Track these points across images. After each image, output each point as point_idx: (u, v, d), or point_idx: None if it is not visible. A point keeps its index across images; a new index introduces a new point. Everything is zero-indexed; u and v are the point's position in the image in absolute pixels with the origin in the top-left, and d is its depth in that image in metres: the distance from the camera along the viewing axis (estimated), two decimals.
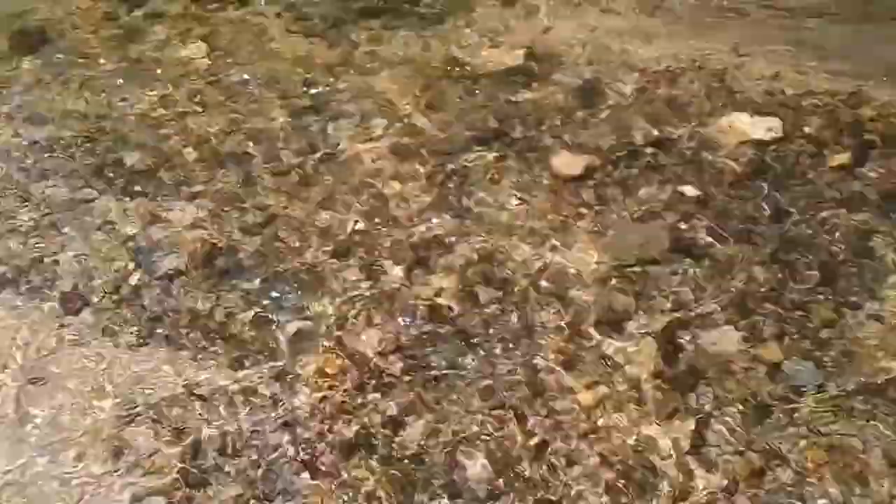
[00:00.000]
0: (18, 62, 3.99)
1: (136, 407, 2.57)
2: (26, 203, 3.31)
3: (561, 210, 3.13)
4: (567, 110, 3.59)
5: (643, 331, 2.68)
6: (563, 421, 2.45)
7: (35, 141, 3.59)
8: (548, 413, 2.47)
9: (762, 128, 3.36)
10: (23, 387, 2.65)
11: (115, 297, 2.91)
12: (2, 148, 3.56)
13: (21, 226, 3.22)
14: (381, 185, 3.30)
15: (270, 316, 2.82)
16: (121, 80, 3.90)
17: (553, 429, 2.43)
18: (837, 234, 2.95)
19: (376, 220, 3.15)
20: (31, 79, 3.91)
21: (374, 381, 2.59)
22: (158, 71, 3.97)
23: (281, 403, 2.54)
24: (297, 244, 3.08)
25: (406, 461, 2.38)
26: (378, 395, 2.55)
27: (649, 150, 3.36)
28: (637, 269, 2.88)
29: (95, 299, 2.91)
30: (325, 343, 2.71)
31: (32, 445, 2.49)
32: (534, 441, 2.40)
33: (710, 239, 2.96)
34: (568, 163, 3.31)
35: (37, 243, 3.14)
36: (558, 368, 2.59)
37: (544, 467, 2.35)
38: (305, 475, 2.35)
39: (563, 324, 2.73)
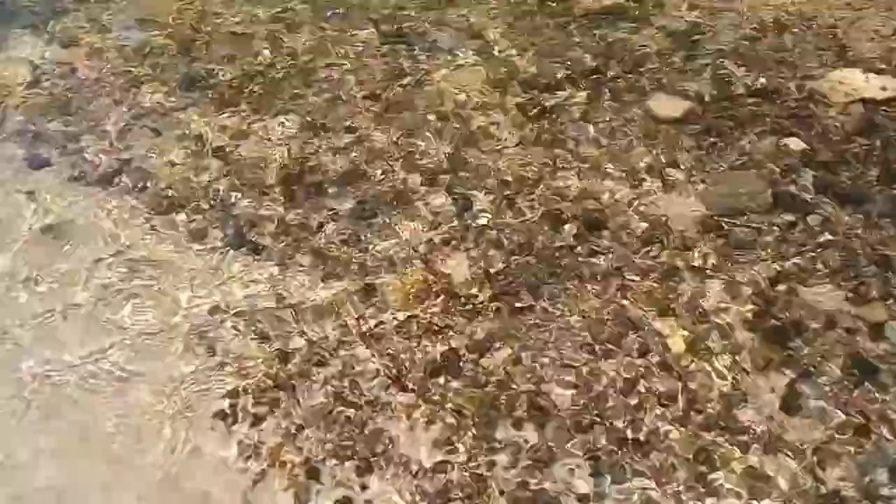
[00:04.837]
0: None
1: (223, 309, 2.58)
2: (118, 105, 3.32)
3: (657, 153, 3.03)
4: (666, 54, 3.46)
5: (739, 281, 2.59)
6: (653, 363, 2.39)
7: (128, 46, 3.59)
8: (636, 353, 2.42)
9: (875, 86, 3.19)
10: (114, 278, 2.68)
11: (204, 202, 2.92)
12: (97, 50, 3.58)
13: (112, 128, 3.23)
14: (470, 116, 3.23)
15: (358, 234, 2.80)
16: None
17: (641, 369, 2.38)
18: None
19: (464, 149, 3.09)
20: None
21: (460, 307, 2.56)
22: None
23: (367, 319, 2.53)
24: (385, 167, 3.04)
25: (490, 386, 2.35)
26: (464, 320, 2.52)
27: (752, 99, 3.23)
28: (736, 218, 2.78)
29: (185, 203, 2.91)
30: (413, 265, 2.68)
31: (123, 334, 2.53)
32: (620, 379, 2.36)
33: (813, 194, 2.84)
34: (666, 106, 3.21)
35: (128, 146, 3.16)
36: (648, 311, 2.53)
37: (632, 406, 2.30)
38: (393, 389, 2.34)
39: (655, 267, 2.66)
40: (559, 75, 3.39)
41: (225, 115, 3.27)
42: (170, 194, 2.96)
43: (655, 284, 2.61)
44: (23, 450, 2.26)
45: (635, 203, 2.87)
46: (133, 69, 3.49)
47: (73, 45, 3.62)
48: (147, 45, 3.60)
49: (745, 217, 2.79)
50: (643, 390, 2.34)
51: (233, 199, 2.93)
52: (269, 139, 3.17)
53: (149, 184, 3.00)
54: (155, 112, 3.29)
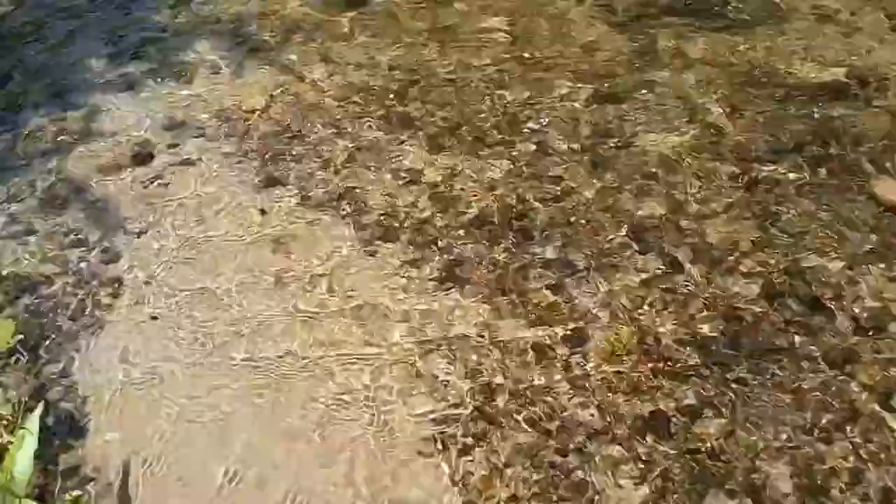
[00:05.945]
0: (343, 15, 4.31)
1: (431, 340, 2.68)
2: (342, 136, 3.57)
3: (884, 238, 2.90)
4: (891, 136, 3.33)
5: None
6: (881, 456, 2.26)
7: (352, 83, 3.86)
8: (863, 443, 2.29)
9: None
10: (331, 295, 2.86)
11: (418, 236, 3.06)
12: (325, 83, 3.87)
13: (336, 157, 3.47)
14: (678, 181, 3.23)
15: (563, 283, 2.84)
16: (428, 42, 4.11)
17: (869, 460, 2.25)
18: None
19: (672, 213, 3.09)
20: (348, 29, 4.24)
21: (669, 368, 2.53)
22: (461, 37, 4.14)
23: (573, 367, 2.55)
24: (592, 221, 3.08)
25: (702, 454, 2.30)
26: (673, 383, 2.49)
27: None
28: None
29: (400, 234, 3.07)
30: (620, 320, 2.69)
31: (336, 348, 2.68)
32: (847, 466, 2.23)
33: None
34: (892, 190, 3.07)
35: (348, 175, 3.38)
36: (874, 401, 2.40)
37: (857, 497, 2.17)
38: (599, 441, 2.33)
39: (879, 355, 2.52)
40: (774, 147, 3.33)
41: (437, 155, 3.43)
42: (385, 224, 3.13)
43: (880, 373, 2.47)
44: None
45: (856, 287, 2.75)
46: (355, 104, 3.74)
47: (303, 77, 3.94)
48: (369, 83, 3.87)
49: None
50: (870, 483, 2.20)
51: (442, 235, 3.05)
52: (477, 181, 3.30)
53: (366, 213, 3.19)
54: (374, 146, 3.51)
